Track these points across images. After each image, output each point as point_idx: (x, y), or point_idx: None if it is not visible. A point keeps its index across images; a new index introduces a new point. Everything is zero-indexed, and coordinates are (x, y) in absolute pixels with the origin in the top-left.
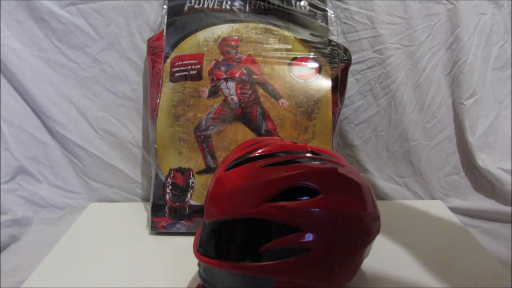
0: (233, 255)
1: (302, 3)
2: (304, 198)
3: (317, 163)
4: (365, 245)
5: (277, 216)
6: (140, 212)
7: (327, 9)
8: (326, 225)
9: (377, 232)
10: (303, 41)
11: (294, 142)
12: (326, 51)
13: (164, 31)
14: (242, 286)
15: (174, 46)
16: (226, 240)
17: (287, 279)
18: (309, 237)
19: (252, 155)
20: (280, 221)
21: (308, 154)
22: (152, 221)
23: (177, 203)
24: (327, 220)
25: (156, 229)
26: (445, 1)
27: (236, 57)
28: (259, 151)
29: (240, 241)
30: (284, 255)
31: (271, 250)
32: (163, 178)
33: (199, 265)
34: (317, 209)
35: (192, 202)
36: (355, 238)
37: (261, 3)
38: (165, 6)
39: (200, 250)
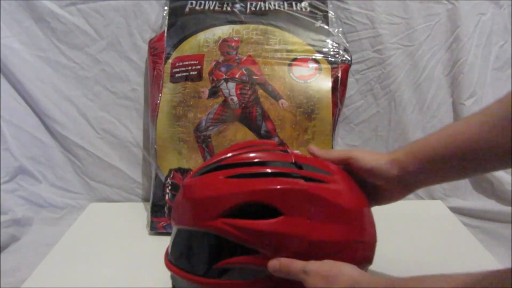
0: (194, 268)
1: (302, 4)
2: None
3: (288, 179)
4: None
5: (230, 234)
6: (140, 212)
7: (327, 9)
8: (287, 250)
9: (364, 263)
10: (304, 42)
11: (285, 150)
12: (326, 51)
13: (165, 32)
14: None
15: (175, 47)
16: (186, 251)
17: None
18: (262, 261)
19: (223, 162)
20: (233, 240)
21: (287, 167)
22: (152, 221)
23: None
24: (289, 246)
25: (155, 229)
26: (445, 1)
27: (237, 58)
28: (231, 156)
29: (197, 254)
30: (245, 275)
31: (230, 269)
32: (162, 178)
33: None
34: (275, 232)
35: None
36: None
37: (262, 4)
38: (166, 7)
39: (170, 257)
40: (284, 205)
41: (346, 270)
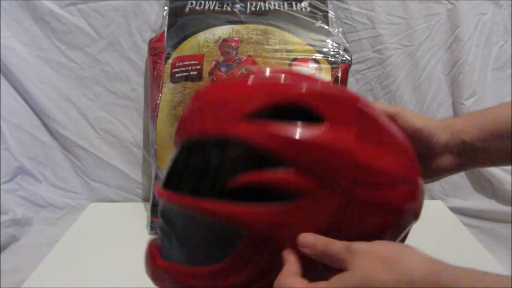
0: (200, 188)
1: (302, 4)
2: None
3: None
4: (389, 223)
5: (254, 140)
6: (140, 212)
7: (327, 9)
8: (329, 170)
9: (414, 212)
10: (304, 42)
11: None
12: (326, 51)
13: (165, 32)
14: (201, 234)
15: (175, 47)
16: (192, 166)
17: (261, 234)
18: (297, 178)
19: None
20: (257, 147)
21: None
22: (152, 221)
23: None
24: (331, 163)
25: (155, 229)
26: (445, 1)
27: (237, 58)
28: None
29: (206, 169)
30: (268, 198)
31: (249, 189)
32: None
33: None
34: (316, 141)
35: None
36: (372, 203)
37: (262, 4)
38: (166, 7)
39: (163, 184)
40: (330, 110)
41: (409, 250)
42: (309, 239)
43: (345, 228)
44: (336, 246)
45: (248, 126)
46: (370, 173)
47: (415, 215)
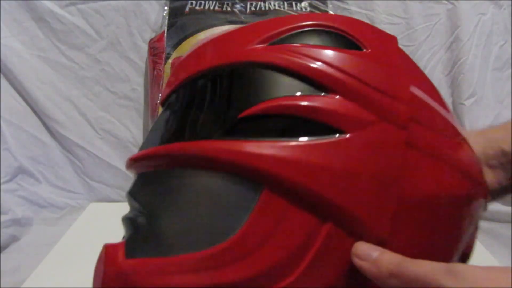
0: (197, 130)
1: (302, 4)
2: None
3: None
4: (458, 186)
5: (283, 62)
6: None
7: (327, 10)
8: (380, 94)
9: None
10: None
11: None
12: None
13: (165, 32)
14: (197, 202)
15: (175, 47)
16: (190, 109)
17: (292, 183)
18: (345, 106)
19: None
20: (288, 71)
21: None
22: None
23: None
24: (383, 87)
25: None
26: (445, 1)
27: None
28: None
29: (210, 101)
30: (289, 131)
31: (268, 120)
32: None
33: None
34: (361, 62)
35: None
36: (434, 149)
37: (262, 4)
38: (166, 7)
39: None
40: (370, 39)
41: None
42: (370, 250)
43: (407, 180)
44: (423, 265)
45: (274, 49)
46: (427, 112)
47: (485, 200)
